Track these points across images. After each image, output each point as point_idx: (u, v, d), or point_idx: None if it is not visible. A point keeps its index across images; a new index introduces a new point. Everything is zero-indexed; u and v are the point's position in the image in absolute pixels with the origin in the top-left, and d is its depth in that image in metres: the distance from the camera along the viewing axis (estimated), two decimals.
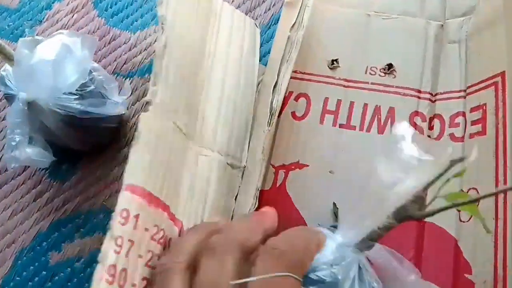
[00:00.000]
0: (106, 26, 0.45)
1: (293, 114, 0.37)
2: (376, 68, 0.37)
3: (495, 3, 0.35)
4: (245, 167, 0.33)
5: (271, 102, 0.33)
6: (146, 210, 0.22)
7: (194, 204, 0.28)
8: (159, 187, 0.24)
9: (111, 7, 0.46)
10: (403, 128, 0.20)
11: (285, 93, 0.36)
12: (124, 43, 0.44)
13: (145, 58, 0.43)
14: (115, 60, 0.44)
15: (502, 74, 0.31)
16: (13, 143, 0.33)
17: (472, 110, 0.33)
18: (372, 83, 0.37)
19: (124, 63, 0.43)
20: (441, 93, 0.36)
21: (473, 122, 0.33)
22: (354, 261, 0.22)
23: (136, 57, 0.44)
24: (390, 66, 0.37)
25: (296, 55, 0.34)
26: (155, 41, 0.44)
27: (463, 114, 0.34)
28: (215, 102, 0.32)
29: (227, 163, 0.32)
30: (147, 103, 0.24)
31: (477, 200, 0.19)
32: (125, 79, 0.43)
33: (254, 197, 0.31)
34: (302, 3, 0.36)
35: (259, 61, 0.39)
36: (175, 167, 0.26)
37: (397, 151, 0.19)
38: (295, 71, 0.37)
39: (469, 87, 0.34)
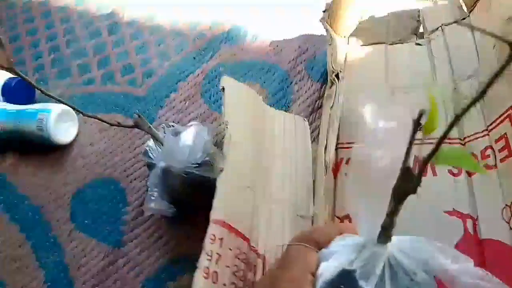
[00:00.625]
0: (210, 111, 0.60)
1: (346, 174, 0.46)
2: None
3: (492, 64, 0.45)
4: (313, 216, 0.44)
5: (325, 160, 0.43)
6: (228, 235, 0.34)
7: (272, 242, 0.39)
8: (238, 222, 0.35)
9: (213, 96, 0.61)
10: None
11: (337, 159, 0.46)
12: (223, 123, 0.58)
13: None
14: (216, 135, 0.58)
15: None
16: (152, 198, 0.46)
17: (496, 141, 0.41)
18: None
19: (223, 139, 0.57)
20: (468, 136, 0.44)
21: (500, 150, 0.40)
22: (378, 256, 0.22)
23: None
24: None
25: (338, 125, 0.46)
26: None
27: (491, 147, 0.42)
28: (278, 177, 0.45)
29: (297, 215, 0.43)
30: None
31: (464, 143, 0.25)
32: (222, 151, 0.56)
33: None
34: (336, 92, 0.48)
35: None
36: (249, 213, 0.38)
37: None
38: (341, 143, 0.48)
39: (489, 125, 0.43)
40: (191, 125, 0.47)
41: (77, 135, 0.64)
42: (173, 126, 0.47)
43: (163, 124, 0.48)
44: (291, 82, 0.59)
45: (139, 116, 0.39)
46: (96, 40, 0.74)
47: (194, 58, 0.66)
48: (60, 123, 0.60)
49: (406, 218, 0.32)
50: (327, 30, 0.55)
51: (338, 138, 0.47)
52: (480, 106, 0.45)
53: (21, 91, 0.66)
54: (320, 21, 0.55)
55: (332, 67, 0.51)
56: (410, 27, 0.57)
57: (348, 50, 0.57)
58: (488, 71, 0.46)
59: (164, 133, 0.47)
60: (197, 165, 0.47)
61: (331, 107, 0.48)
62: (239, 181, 0.39)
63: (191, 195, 0.49)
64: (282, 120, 0.51)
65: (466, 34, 0.52)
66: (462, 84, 0.48)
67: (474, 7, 0.54)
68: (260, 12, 0.69)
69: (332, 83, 0.51)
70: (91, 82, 0.69)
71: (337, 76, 0.50)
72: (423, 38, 0.56)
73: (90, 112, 0.64)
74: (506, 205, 0.37)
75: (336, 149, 0.47)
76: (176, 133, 0.46)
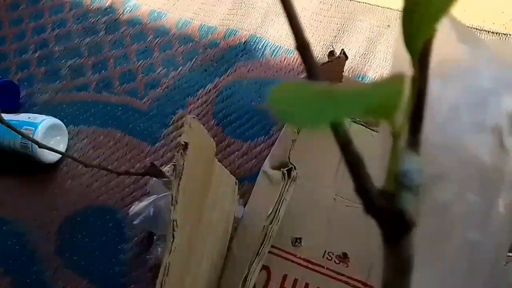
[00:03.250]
0: (223, 134, 0.53)
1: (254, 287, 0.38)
2: (333, 254, 0.41)
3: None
4: None
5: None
6: None
7: None
8: None
9: (228, 118, 0.54)
10: None
11: None
12: (237, 150, 0.52)
13: (254, 166, 0.50)
14: (229, 165, 0.51)
15: None
16: (159, 248, 0.40)
17: None
18: (327, 268, 0.41)
19: (237, 168, 0.50)
20: None
21: None
22: None
23: (247, 164, 0.51)
24: (345, 255, 0.41)
25: (268, 249, 0.37)
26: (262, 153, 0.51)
27: None
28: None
29: None
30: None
31: None
32: (236, 184, 0.49)
33: None
34: (281, 193, 0.39)
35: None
36: None
37: None
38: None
39: None
40: None
41: (66, 151, 0.56)
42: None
43: (175, 162, 0.41)
44: None
45: (152, 165, 0.32)
46: (91, 39, 0.65)
47: (206, 70, 0.58)
48: (48, 138, 0.52)
49: None
50: None
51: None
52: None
53: (2, 95, 0.57)
54: None
55: (288, 158, 0.42)
56: None
57: None
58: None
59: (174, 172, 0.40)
60: None
61: (268, 216, 0.38)
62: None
63: None
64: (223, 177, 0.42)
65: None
66: None
67: None
68: (284, 22, 0.61)
69: (283, 176, 0.41)
70: (85, 88, 0.61)
71: (289, 172, 0.41)
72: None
73: (82, 125, 0.56)
74: None
75: None
76: None
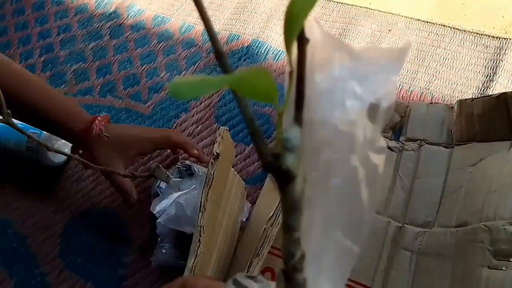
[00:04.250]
0: None
1: None
2: None
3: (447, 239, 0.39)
4: None
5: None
6: None
7: None
8: None
9: (230, 121, 0.54)
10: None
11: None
12: (240, 153, 0.52)
13: (256, 168, 0.51)
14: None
15: None
16: (163, 251, 0.40)
17: None
18: None
19: (239, 171, 0.51)
20: None
21: None
22: None
23: (249, 167, 0.51)
24: None
25: (267, 251, 0.38)
26: None
27: None
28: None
29: None
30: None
31: None
32: (246, 188, 0.49)
33: None
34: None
35: None
36: None
37: None
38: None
39: None
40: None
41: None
42: (189, 165, 0.40)
43: (179, 164, 0.41)
44: None
45: (157, 167, 0.33)
46: (95, 43, 0.66)
47: (208, 74, 0.59)
48: (53, 142, 0.53)
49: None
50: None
51: None
52: (414, 268, 0.40)
53: None
54: None
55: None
56: (390, 119, 0.48)
57: None
58: (441, 237, 0.41)
59: (178, 175, 0.40)
60: None
61: (269, 219, 0.40)
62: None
63: None
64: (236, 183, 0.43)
65: (441, 167, 0.44)
66: (410, 229, 0.42)
67: (463, 144, 0.45)
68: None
69: None
70: (89, 92, 0.61)
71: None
72: (398, 140, 0.48)
73: None
74: None
75: None
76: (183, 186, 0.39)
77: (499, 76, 0.50)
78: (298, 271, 0.13)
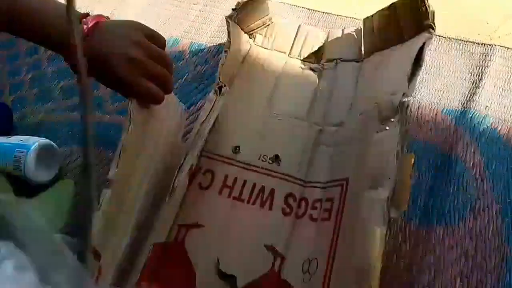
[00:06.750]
0: None
1: (200, 184, 0.47)
2: (267, 157, 0.48)
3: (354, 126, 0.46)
4: None
5: (173, 181, 0.42)
6: None
7: None
8: None
9: None
10: None
11: (193, 167, 0.46)
12: None
13: None
14: None
15: (347, 179, 0.42)
16: None
17: (327, 199, 0.43)
18: (262, 168, 0.48)
19: None
20: (310, 182, 0.46)
21: (325, 209, 0.42)
22: None
23: None
24: (277, 156, 0.48)
25: (201, 144, 0.46)
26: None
27: (320, 200, 0.44)
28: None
29: None
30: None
31: None
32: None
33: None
34: (213, 106, 0.47)
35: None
36: None
37: None
38: (207, 151, 0.49)
39: (327, 182, 0.45)
40: None
41: (59, 170, 0.55)
42: None
43: None
44: None
45: None
46: None
47: (196, 87, 0.59)
48: (41, 159, 0.52)
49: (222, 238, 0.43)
50: (229, 32, 0.52)
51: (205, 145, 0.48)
52: (331, 158, 0.47)
53: None
54: (226, 18, 0.53)
55: (219, 78, 0.49)
56: (316, 45, 0.57)
57: (250, 50, 0.57)
58: (352, 127, 0.47)
59: None
60: None
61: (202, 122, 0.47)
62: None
63: None
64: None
65: (352, 78, 0.52)
66: (329, 130, 0.49)
67: (370, 55, 0.52)
68: None
69: (215, 92, 0.49)
70: (77, 109, 0.61)
71: (220, 88, 0.49)
72: (319, 63, 0.55)
73: (75, 145, 0.57)
74: (309, 258, 0.40)
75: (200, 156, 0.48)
76: None
77: (485, 82, 0.50)
78: None
